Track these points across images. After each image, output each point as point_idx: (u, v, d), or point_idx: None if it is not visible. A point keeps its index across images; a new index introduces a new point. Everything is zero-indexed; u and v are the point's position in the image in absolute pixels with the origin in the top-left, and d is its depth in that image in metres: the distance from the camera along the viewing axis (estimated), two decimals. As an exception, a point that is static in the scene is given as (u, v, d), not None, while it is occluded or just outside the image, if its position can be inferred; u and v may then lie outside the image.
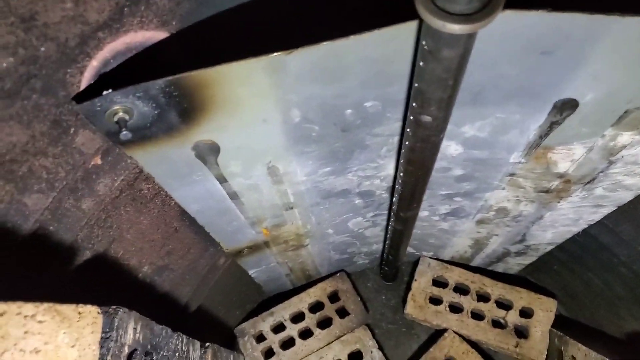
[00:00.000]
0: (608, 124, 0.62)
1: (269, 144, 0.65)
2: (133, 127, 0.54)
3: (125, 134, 0.52)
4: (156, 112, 0.53)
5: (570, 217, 0.94)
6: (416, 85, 0.50)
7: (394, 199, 0.86)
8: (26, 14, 0.42)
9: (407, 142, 0.62)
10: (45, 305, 0.46)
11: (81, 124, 0.55)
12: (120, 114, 0.51)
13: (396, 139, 0.71)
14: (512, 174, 0.80)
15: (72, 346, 0.50)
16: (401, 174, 0.73)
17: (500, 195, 0.90)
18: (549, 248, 1.16)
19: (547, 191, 0.84)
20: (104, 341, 0.55)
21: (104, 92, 0.48)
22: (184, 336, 0.76)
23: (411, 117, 0.56)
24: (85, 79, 0.52)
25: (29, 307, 0.44)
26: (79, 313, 0.51)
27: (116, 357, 0.57)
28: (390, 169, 0.82)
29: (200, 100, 0.53)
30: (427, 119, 0.54)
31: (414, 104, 0.53)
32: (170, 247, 0.87)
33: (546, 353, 1.31)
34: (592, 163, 0.72)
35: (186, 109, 0.53)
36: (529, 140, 0.68)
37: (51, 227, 0.59)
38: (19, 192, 0.52)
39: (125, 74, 0.52)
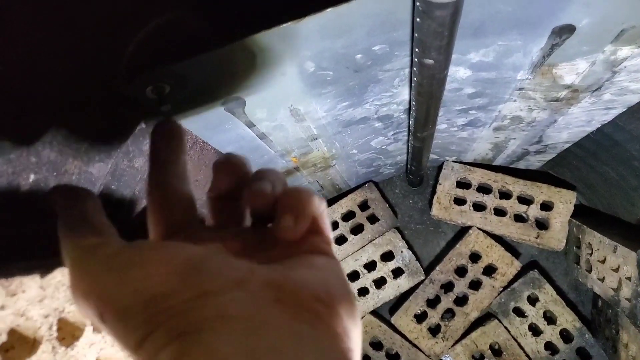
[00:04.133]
0: (607, 42, 0.65)
1: (289, 91, 0.71)
2: (169, 97, 0.61)
3: (164, 107, 0.60)
4: (188, 82, 0.59)
5: (582, 119, 0.98)
6: (416, 35, 0.54)
7: (410, 121, 0.92)
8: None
9: (415, 79, 0.68)
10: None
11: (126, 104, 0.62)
12: (157, 89, 0.59)
13: (407, 70, 0.75)
14: (521, 89, 0.84)
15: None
16: (414, 103, 0.79)
17: (512, 106, 0.94)
18: (566, 146, 1.21)
19: (556, 100, 0.88)
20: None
21: (137, 77, 0.55)
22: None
23: (415, 59, 0.61)
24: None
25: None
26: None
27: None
28: (405, 95, 0.87)
29: (226, 67, 0.59)
30: (429, 61, 0.58)
31: (416, 49, 0.58)
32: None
33: (565, 241, 1.41)
34: (597, 74, 0.75)
35: (214, 76, 0.60)
36: (533, 60, 0.72)
37: (113, 187, 0.69)
38: (84, 164, 0.61)
39: (157, 50, 0.58)
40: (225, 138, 0.80)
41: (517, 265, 1.44)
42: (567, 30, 0.63)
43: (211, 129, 0.75)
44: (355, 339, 0.26)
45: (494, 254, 1.45)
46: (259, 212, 0.35)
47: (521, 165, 1.52)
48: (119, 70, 0.56)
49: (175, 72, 0.56)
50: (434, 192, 1.54)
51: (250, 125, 0.78)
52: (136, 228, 0.76)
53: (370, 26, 0.58)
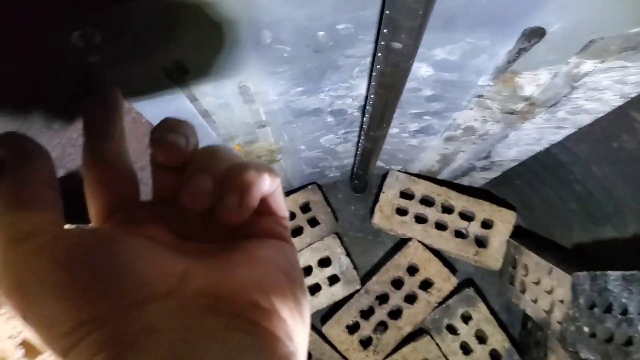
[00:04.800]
0: (573, 52, 0.63)
1: (240, 64, 0.65)
2: (101, 49, 0.52)
3: (93, 57, 0.51)
4: (124, 34, 0.51)
5: (533, 136, 0.98)
6: (387, 12, 0.49)
7: (364, 119, 0.88)
8: None
9: (378, 66, 0.63)
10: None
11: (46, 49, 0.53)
12: (86, 36, 0.50)
13: (368, 60, 0.71)
14: (480, 96, 0.82)
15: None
16: (372, 96, 0.74)
17: (468, 115, 0.92)
18: (513, 164, 1.22)
19: (512, 112, 0.86)
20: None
21: (63, 18, 0.46)
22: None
23: (382, 43, 0.56)
24: None
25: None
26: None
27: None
28: (362, 89, 0.82)
29: (169, 24, 0.51)
30: (397, 45, 0.54)
31: (384, 30, 0.53)
32: (143, 163, 0.87)
33: (502, 261, 1.42)
34: (556, 88, 0.74)
35: (155, 31, 0.52)
36: (498, 64, 0.69)
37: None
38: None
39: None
40: (163, 111, 0.72)
41: (453, 281, 1.43)
42: (537, 34, 0.61)
43: (148, 97, 0.67)
44: (299, 340, 0.25)
45: (432, 268, 1.43)
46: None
47: (465, 181, 1.52)
48: (37, 6, 0.47)
49: (110, 18, 0.48)
50: (376, 200, 1.51)
51: (193, 99, 0.70)
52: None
53: (338, -2, 0.53)
